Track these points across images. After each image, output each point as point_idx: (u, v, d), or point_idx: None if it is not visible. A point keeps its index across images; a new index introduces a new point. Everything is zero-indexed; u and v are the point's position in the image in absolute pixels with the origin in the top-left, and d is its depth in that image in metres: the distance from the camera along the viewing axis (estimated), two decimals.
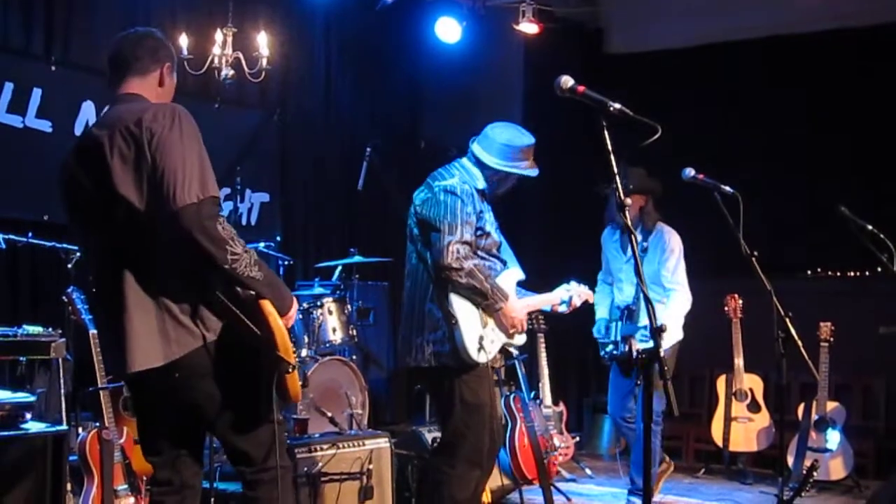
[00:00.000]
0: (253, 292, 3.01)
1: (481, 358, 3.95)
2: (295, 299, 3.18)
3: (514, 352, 4.36)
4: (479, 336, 3.97)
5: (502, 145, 4.13)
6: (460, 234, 3.92)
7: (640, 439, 5.59)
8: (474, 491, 4.12)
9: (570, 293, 4.37)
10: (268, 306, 3.02)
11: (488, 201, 4.19)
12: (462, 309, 3.96)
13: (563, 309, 4.38)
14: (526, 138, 4.18)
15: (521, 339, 4.23)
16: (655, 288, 5.59)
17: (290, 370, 3.03)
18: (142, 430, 3.32)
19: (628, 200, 2.93)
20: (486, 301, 3.97)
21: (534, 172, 4.20)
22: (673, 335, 5.62)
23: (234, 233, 2.93)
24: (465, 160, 4.21)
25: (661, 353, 2.82)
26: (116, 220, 3.01)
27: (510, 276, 4.22)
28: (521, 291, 4.31)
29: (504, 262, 4.24)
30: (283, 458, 3.23)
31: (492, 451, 4.17)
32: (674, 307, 5.58)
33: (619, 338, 5.63)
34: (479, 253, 4.07)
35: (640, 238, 5.66)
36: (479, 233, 4.06)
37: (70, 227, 3.31)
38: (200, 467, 3.36)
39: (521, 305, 4.16)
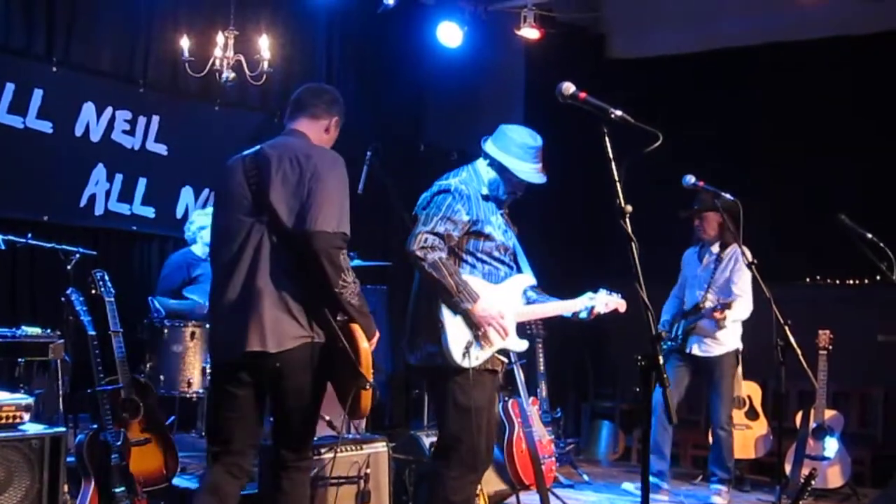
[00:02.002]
0: (347, 317, 3.60)
1: (465, 363, 3.91)
2: (377, 330, 3.74)
3: (513, 356, 4.31)
4: (466, 341, 3.93)
5: (521, 145, 4.11)
6: (433, 225, 3.93)
7: (717, 440, 6.44)
8: (469, 494, 4.11)
9: (592, 302, 4.30)
10: (358, 329, 3.61)
11: (498, 206, 4.17)
12: (451, 312, 3.93)
13: (583, 316, 4.31)
14: (539, 140, 4.16)
15: (518, 345, 4.15)
16: (723, 294, 6.30)
17: (367, 387, 3.58)
18: (218, 418, 3.75)
19: (629, 208, 2.92)
20: (452, 299, 3.88)
21: (542, 179, 4.17)
22: (729, 341, 6.34)
23: (349, 265, 3.55)
24: (478, 161, 4.21)
25: (661, 360, 2.80)
26: (260, 222, 3.59)
27: (518, 281, 4.20)
28: (541, 297, 4.29)
29: (512, 268, 4.20)
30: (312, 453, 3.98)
31: (487, 454, 4.15)
32: (736, 310, 6.19)
33: (680, 332, 6.41)
34: (479, 255, 4.06)
35: (717, 250, 6.46)
36: (474, 235, 4.03)
37: (216, 209, 3.91)
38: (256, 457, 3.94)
39: (521, 310, 4.14)
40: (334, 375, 3.69)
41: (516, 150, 4.10)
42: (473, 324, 3.93)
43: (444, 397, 4.03)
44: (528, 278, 4.24)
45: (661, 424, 6.30)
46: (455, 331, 3.93)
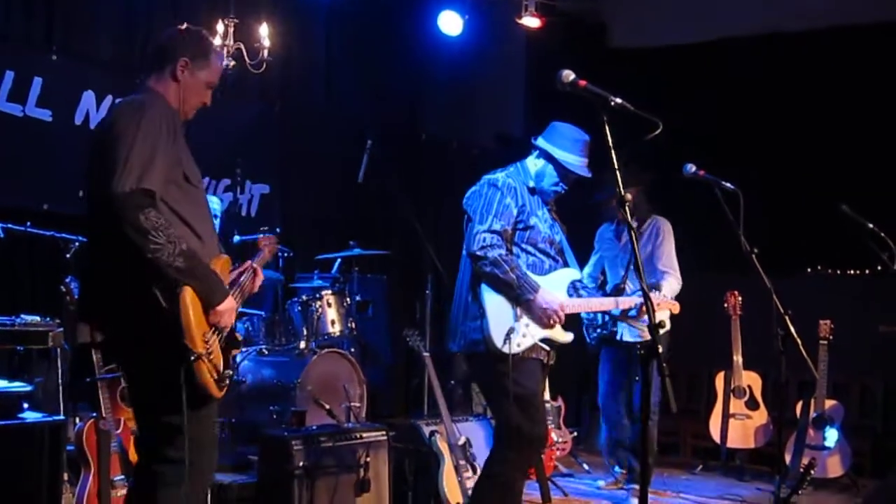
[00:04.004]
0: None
1: (506, 348, 3.98)
2: (231, 297, 3.24)
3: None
4: (508, 328, 4.00)
5: (569, 138, 4.22)
6: (490, 224, 4.04)
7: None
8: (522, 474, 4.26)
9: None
10: (187, 296, 3.06)
11: (543, 199, 4.28)
12: (493, 300, 4.03)
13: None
14: (586, 135, 4.25)
15: (563, 337, 4.20)
16: (646, 272, 5.80)
17: (193, 358, 3.05)
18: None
19: (628, 196, 2.93)
20: (514, 292, 3.99)
21: (588, 173, 4.26)
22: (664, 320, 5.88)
23: (158, 224, 3.00)
24: (527, 159, 4.31)
25: (660, 349, 2.81)
26: (88, 198, 3.20)
27: (565, 274, 4.27)
28: (591, 292, 4.38)
29: (557, 261, 4.27)
30: (189, 453, 3.16)
31: (539, 440, 4.27)
32: (666, 289, 5.68)
33: (608, 318, 5.90)
34: (524, 246, 4.15)
35: (635, 225, 5.97)
36: (520, 226, 4.13)
37: None
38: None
39: (568, 303, 4.16)
40: (172, 353, 3.10)
41: (564, 142, 4.22)
42: (529, 312, 4.02)
43: (491, 386, 4.16)
44: (574, 272, 4.33)
45: (618, 424, 6.34)
46: (497, 317, 4.02)
